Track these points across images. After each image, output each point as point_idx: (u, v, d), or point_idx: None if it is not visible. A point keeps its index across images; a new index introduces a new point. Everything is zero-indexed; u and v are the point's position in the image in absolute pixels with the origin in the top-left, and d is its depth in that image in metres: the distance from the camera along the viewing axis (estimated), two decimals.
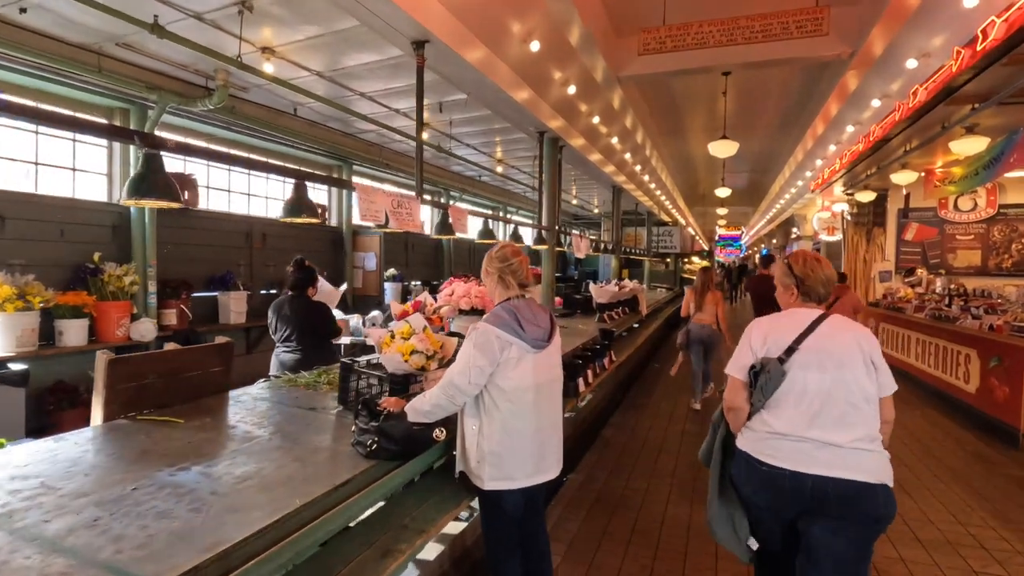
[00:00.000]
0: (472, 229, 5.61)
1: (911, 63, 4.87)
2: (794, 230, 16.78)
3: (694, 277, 8.09)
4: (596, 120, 7.42)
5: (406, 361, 2.37)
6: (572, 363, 4.10)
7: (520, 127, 6.83)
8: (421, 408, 2.10)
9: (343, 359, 2.76)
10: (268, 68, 4.99)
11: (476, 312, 4.02)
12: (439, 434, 2.16)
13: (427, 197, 4.35)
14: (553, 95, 5.99)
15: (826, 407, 1.86)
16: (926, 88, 4.97)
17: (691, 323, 6.28)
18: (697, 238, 29.57)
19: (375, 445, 2.00)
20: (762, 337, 2.00)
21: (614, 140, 9.14)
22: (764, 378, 1.92)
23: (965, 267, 9.86)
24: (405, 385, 2.46)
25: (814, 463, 1.85)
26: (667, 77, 6.74)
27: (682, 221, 21.15)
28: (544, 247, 7.25)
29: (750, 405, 2.00)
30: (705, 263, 22.89)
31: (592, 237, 14.10)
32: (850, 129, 7.44)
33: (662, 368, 8.52)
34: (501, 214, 14.90)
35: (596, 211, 19.28)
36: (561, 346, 2.42)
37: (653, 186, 13.50)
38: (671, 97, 8.60)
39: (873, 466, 1.84)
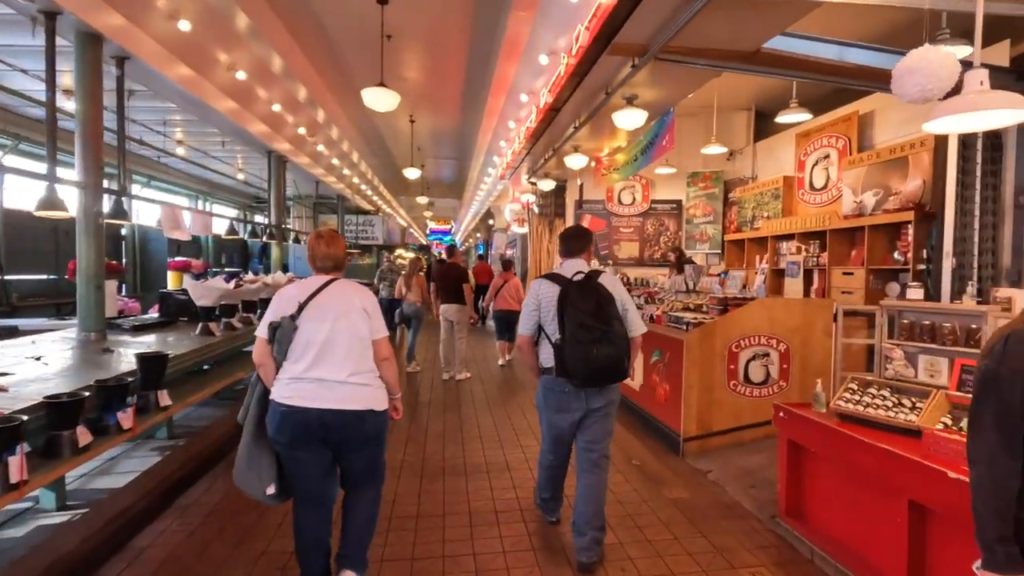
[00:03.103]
0: None
1: None
2: (491, 222, 16.77)
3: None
4: (224, 58, 5.04)
5: None
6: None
7: None
8: None
9: None
10: None
11: None
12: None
13: None
14: None
15: (328, 351, 2.26)
16: (588, 28, 4.04)
17: (404, 303, 7.81)
18: (412, 231, 28.72)
19: None
20: (283, 300, 2.34)
21: (261, 92, 6.77)
22: (280, 333, 2.26)
23: (627, 258, 10.45)
24: None
25: (319, 398, 2.22)
26: None
27: (387, 210, 19.63)
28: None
29: (275, 360, 2.30)
30: (411, 254, 21.95)
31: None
32: (524, 99, 6.58)
33: None
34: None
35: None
36: None
37: (338, 162, 11.39)
38: (328, 42, 6.60)
39: (364, 396, 2.30)
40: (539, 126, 6.47)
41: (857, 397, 2.84)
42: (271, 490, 2.28)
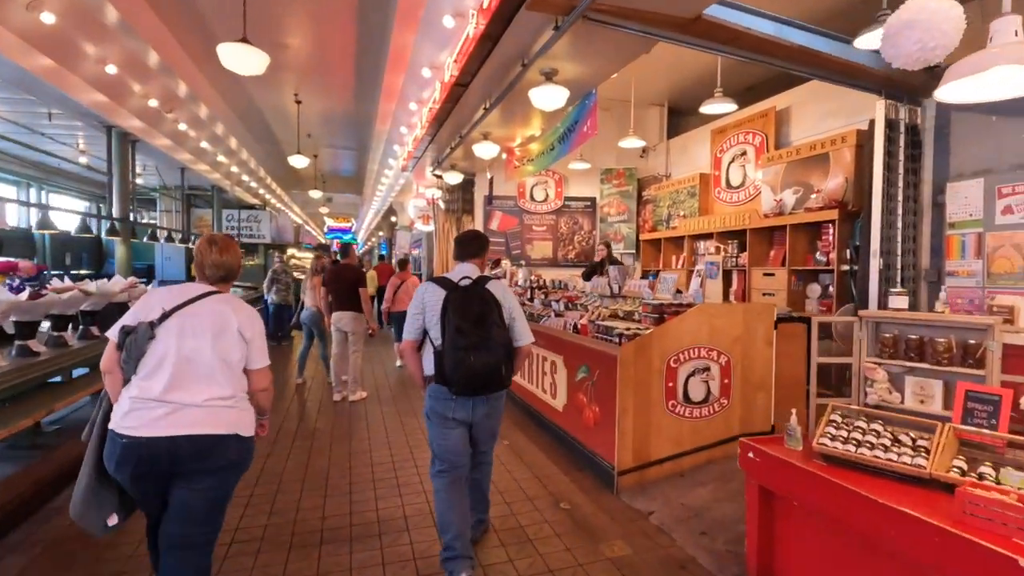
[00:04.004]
0: None
1: None
2: (393, 219, 15.60)
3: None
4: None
5: None
6: None
7: None
8: None
9: None
10: None
11: None
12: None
13: None
14: None
15: (186, 371, 1.95)
16: None
17: (304, 308, 6.92)
18: (309, 229, 26.55)
19: None
20: (148, 304, 2.02)
21: (88, 48, 5.34)
22: (131, 339, 1.95)
23: (540, 258, 9.85)
24: None
25: (171, 425, 1.90)
26: None
27: (278, 205, 17.76)
28: None
29: (122, 369, 1.99)
30: (308, 254, 20.13)
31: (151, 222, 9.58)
32: (426, 73, 5.67)
33: None
34: None
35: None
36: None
37: (210, 147, 9.78)
38: None
39: (228, 419, 2.00)
40: (444, 106, 5.61)
41: (844, 433, 2.27)
42: (113, 520, 2.05)
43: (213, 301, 2.07)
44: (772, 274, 6.07)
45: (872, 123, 4.95)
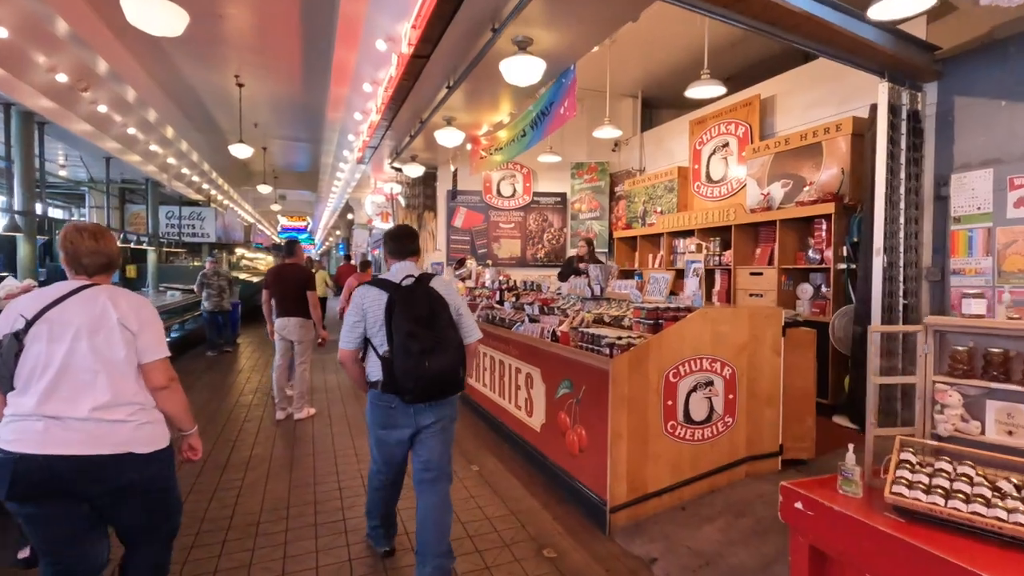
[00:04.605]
0: None
1: None
2: (350, 216, 14.74)
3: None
4: None
5: None
6: None
7: None
8: None
9: None
10: None
11: None
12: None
13: None
14: None
15: (64, 379, 1.74)
16: None
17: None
18: (262, 228, 25.21)
19: None
20: (9, 314, 1.79)
21: None
22: None
23: (508, 257, 9.26)
24: None
25: (48, 442, 1.70)
26: None
27: (226, 202, 16.59)
28: None
29: None
30: (261, 254, 19.01)
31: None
32: (381, 46, 4.99)
33: None
34: None
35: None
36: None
37: (140, 135, 8.79)
38: None
39: (119, 436, 1.78)
40: (402, 83, 4.94)
41: (925, 479, 1.75)
42: (24, 553, 2.01)
43: (86, 296, 1.81)
44: (760, 273, 5.65)
45: (873, 108, 4.55)
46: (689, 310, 3.44)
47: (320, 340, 5.64)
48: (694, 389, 3.30)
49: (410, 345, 2.27)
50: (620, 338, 3.27)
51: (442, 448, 2.52)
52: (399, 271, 2.53)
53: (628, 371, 3.06)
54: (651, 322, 3.40)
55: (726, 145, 6.61)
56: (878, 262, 4.43)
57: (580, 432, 3.35)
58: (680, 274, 6.95)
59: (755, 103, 6.19)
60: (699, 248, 6.54)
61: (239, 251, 17.70)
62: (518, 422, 4.31)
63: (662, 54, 7.09)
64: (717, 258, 6.34)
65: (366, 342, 2.47)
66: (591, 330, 3.57)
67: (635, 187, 8.15)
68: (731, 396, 3.42)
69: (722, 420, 3.40)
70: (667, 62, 7.33)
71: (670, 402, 3.22)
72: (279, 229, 23.65)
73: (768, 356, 3.54)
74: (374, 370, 2.44)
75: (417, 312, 2.33)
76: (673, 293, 3.89)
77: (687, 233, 6.87)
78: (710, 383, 3.35)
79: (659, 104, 9.06)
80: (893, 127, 4.43)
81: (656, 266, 7.35)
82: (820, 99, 5.65)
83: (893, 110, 4.43)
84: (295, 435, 4.91)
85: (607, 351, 3.23)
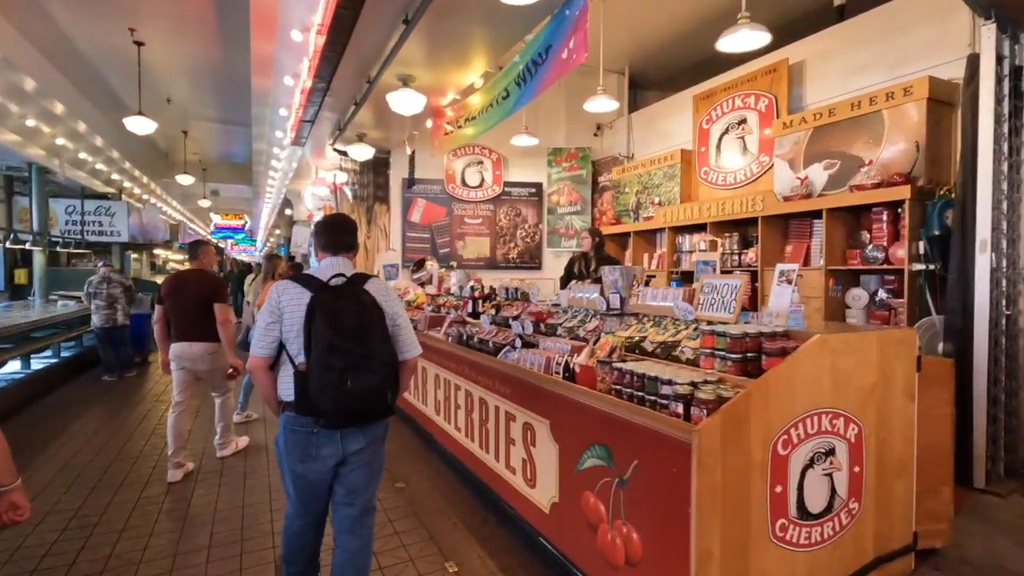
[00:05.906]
0: None
1: None
2: (288, 212, 13.03)
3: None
4: None
5: None
6: None
7: None
8: None
9: None
10: None
11: None
12: None
13: None
14: None
15: None
16: None
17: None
18: (195, 227, 22.81)
19: None
20: None
21: None
22: None
23: (475, 258, 7.92)
24: None
25: None
26: None
27: (144, 196, 14.49)
28: None
29: None
30: (183, 255, 16.92)
31: None
32: None
33: None
34: None
35: None
36: None
37: (9, 105, 6.98)
38: None
39: None
40: (339, 10, 3.53)
41: None
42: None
43: None
44: (800, 275, 4.55)
45: (972, 60, 3.51)
46: (787, 336, 2.23)
47: (231, 370, 4.16)
48: (810, 464, 2.09)
49: (330, 360, 1.88)
50: (696, 384, 2.01)
51: (368, 477, 2.13)
52: (328, 267, 2.10)
53: (722, 443, 1.81)
54: (737, 356, 2.16)
55: (743, 122, 5.52)
56: (983, 261, 3.38)
57: (628, 534, 2.08)
58: (687, 277, 5.82)
59: (782, 69, 5.11)
60: (713, 245, 5.42)
61: (161, 253, 15.54)
62: (512, 491, 3.00)
63: (651, 23, 5.99)
64: (736, 257, 5.24)
65: (280, 348, 2.05)
66: (635, 367, 2.29)
67: (624, 176, 6.99)
68: (856, 469, 2.23)
69: (846, 507, 2.20)
70: (657, 33, 6.24)
71: (779, 488, 1.99)
72: (212, 228, 21.39)
73: (900, 402, 2.37)
74: (287, 387, 2.03)
75: (344, 320, 1.93)
76: (747, 310, 2.67)
77: (695, 228, 5.74)
78: (831, 451, 2.14)
79: (646, 84, 7.96)
80: (998, 85, 3.40)
81: (655, 267, 6.20)
82: (865, 64, 4.61)
83: (998, 63, 3.40)
84: (188, 512, 3.41)
85: (679, 407, 1.97)
